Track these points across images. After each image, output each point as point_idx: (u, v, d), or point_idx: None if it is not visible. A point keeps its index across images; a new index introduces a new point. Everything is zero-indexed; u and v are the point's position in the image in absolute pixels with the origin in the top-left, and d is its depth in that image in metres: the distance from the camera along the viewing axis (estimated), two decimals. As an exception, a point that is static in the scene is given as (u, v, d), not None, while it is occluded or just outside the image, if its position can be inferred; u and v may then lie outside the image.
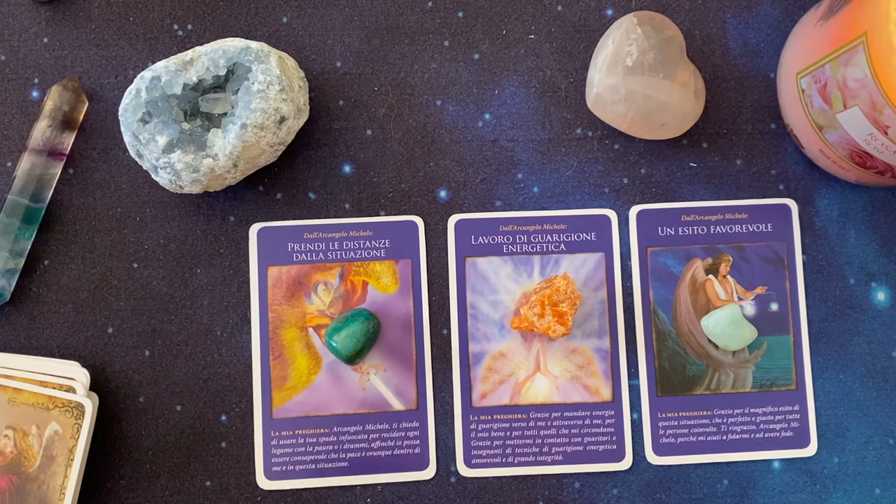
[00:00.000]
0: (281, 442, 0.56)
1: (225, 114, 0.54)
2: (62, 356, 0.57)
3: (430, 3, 0.59)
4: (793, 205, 0.58)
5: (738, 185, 0.58)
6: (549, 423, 0.57)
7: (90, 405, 0.53)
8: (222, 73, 0.54)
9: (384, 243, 0.57)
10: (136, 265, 0.57)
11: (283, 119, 0.54)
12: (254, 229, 0.57)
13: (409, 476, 0.56)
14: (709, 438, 0.57)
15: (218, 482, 0.56)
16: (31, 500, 0.52)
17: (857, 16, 0.48)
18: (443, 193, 0.58)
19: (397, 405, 0.57)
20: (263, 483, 0.56)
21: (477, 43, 0.59)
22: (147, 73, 0.54)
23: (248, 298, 0.57)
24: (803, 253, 0.58)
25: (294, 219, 0.58)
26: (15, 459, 0.53)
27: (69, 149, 0.57)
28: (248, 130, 0.53)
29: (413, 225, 0.58)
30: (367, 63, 0.59)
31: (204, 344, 0.57)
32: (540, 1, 0.59)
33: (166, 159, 0.53)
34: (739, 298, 0.57)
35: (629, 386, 0.57)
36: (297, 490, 0.56)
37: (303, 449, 0.56)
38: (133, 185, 0.58)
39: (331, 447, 0.56)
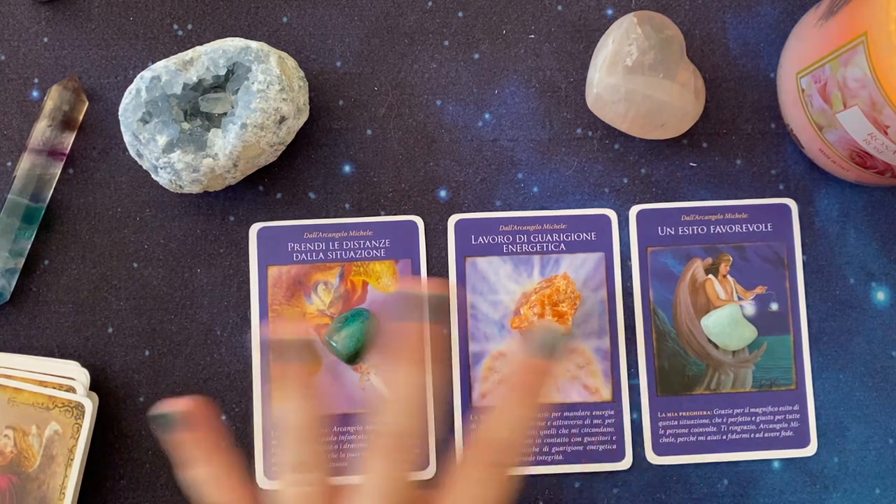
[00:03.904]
0: (281, 442, 0.56)
1: (225, 114, 0.54)
2: (62, 356, 0.57)
3: (430, 3, 0.59)
4: (793, 205, 0.58)
5: (738, 185, 0.58)
6: (549, 423, 0.57)
7: (90, 405, 0.53)
8: (222, 72, 0.54)
9: (384, 243, 0.57)
10: (136, 265, 0.57)
11: (283, 119, 0.54)
12: (254, 229, 0.57)
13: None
14: (709, 438, 0.57)
15: (218, 482, 0.56)
16: (31, 499, 0.52)
17: (857, 16, 0.48)
18: (443, 193, 0.58)
19: (397, 405, 0.57)
20: (263, 483, 0.56)
21: (477, 43, 0.59)
22: (147, 73, 0.54)
23: (248, 298, 0.57)
24: (803, 253, 0.58)
25: (294, 219, 0.58)
26: (15, 459, 0.53)
27: (69, 149, 0.57)
28: (248, 130, 0.53)
29: (413, 225, 0.58)
30: (367, 63, 0.59)
31: (204, 344, 0.57)
32: (540, 1, 0.59)
33: (166, 159, 0.53)
34: (739, 298, 0.57)
35: (629, 386, 0.57)
36: (297, 490, 0.56)
37: (303, 449, 0.56)
38: (133, 185, 0.58)
39: (331, 447, 0.56)
